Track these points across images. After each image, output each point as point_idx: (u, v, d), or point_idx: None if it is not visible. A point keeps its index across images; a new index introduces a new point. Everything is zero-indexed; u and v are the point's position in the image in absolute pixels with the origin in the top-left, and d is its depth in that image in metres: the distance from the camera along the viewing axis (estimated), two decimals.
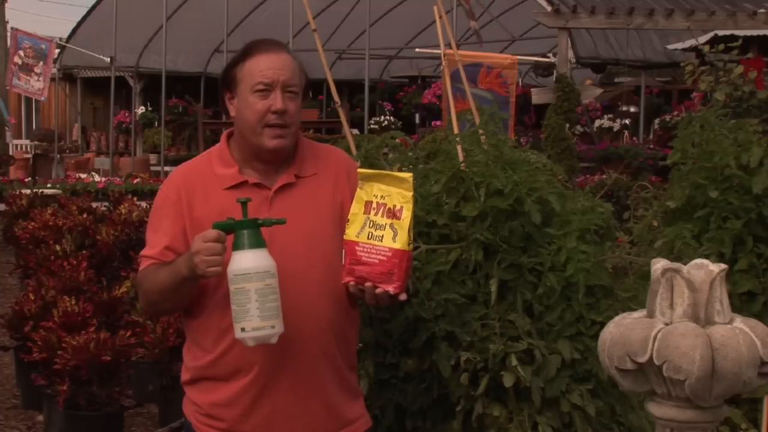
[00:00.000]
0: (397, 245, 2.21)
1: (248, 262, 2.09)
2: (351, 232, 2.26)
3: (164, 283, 2.23)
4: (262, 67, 2.26)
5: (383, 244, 2.22)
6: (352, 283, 2.25)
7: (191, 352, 2.37)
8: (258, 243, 2.11)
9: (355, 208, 2.28)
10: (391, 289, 2.21)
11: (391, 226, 2.22)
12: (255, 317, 2.08)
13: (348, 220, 2.28)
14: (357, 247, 2.24)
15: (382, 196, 2.26)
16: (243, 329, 2.10)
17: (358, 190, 2.30)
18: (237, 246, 2.11)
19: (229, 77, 2.32)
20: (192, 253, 2.11)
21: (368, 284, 2.22)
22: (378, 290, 2.22)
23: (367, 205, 2.27)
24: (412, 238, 2.24)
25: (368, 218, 2.25)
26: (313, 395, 2.29)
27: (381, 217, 2.24)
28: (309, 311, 2.26)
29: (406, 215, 2.22)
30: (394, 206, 2.24)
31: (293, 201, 2.31)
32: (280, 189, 2.32)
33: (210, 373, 2.29)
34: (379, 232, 2.23)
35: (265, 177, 2.33)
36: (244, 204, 2.14)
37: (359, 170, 2.34)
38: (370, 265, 2.22)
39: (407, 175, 2.26)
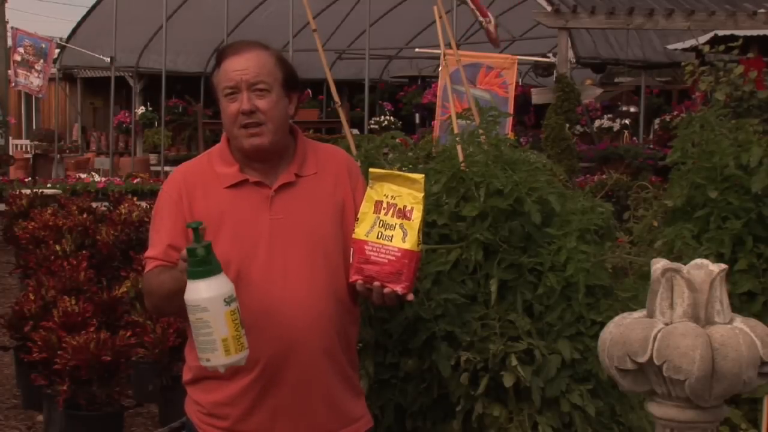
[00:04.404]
0: (407, 246, 2.21)
1: (186, 294, 2.06)
2: (360, 231, 2.27)
3: (168, 289, 2.24)
4: (228, 70, 2.28)
5: (393, 244, 2.22)
6: (360, 281, 2.25)
7: (193, 351, 2.36)
8: (193, 274, 2.04)
9: (365, 207, 2.29)
10: (399, 289, 2.21)
11: (401, 226, 2.23)
12: (197, 348, 2.09)
13: (357, 219, 2.29)
14: (366, 246, 2.24)
15: (392, 196, 2.26)
16: None
17: (368, 189, 2.30)
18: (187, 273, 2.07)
19: (210, 85, 2.37)
20: (179, 272, 2.13)
21: (376, 284, 2.22)
22: (386, 290, 2.22)
23: (378, 204, 2.27)
24: (421, 239, 2.24)
25: (378, 218, 2.26)
26: (315, 393, 2.30)
27: (391, 217, 2.24)
28: (311, 309, 2.26)
29: (417, 216, 2.23)
30: (405, 207, 2.24)
31: (294, 200, 2.32)
32: (281, 188, 2.32)
33: (212, 372, 2.29)
34: (388, 232, 2.23)
35: (265, 176, 2.33)
36: (195, 230, 2.06)
37: (371, 170, 2.34)
38: (379, 264, 2.22)
39: (419, 177, 2.26)
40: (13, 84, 15.07)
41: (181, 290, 2.17)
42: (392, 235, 2.23)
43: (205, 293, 2.03)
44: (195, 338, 2.08)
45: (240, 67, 2.27)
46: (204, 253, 2.03)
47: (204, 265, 2.03)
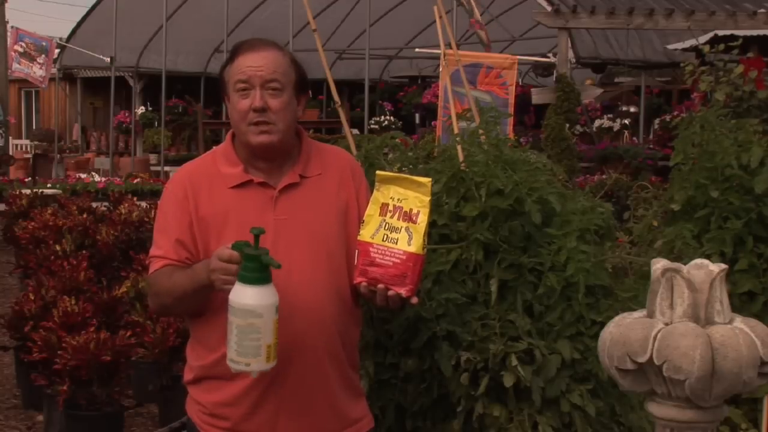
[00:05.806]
0: (412, 249, 2.21)
1: (236, 297, 2.07)
2: (366, 233, 2.26)
3: (182, 290, 2.23)
4: (242, 66, 2.27)
5: (398, 246, 2.22)
6: (364, 284, 2.25)
7: (195, 351, 2.37)
8: (250, 279, 2.06)
9: (371, 210, 2.28)
10: (403, 292, 2.21)
11: (407, 229, 2.23)
12: (232, 350, 2.09)
13: (363, 221, 2.29)
14: (371, 249, 2.24)
15: (399, 199, 2.26)
16: (225, 354, 2.12)
17: (375, 191, 2.30)
18: (238, 275, 2.09)
19: (220, 80, 2.35)
20: (210, 269, 2.12)
21: (381, 286, 2.22)
22: (390, 293, 2.22)
23: (383, 207, 2.27)
24: (426, 243, 2.24)
25: (384, 220, 2.26)
26: (317, 394, 2.30)
27: (397, 220, 2.24)
28: (314, 310, 2.26)
29: (423, 219, 2.22)
30: (411, 210, 2.24)
31: (298, 201, 2.32)
32: (285, 189, 2.32)
33: (214, 372, 2.29)
34: (394, 235, 2.23)
35: (269, 176, 2.33)
36: (256, 236, 2.08)
37: (378, 173, 2.33)
38: (383, 267, 2.22)
39: (426, 180, 2.26)
40: (12, 70, 15.01)
41: (196, 291, 2.17)
42: (398, 238, 2.23)
43: (263, 300, 2.05)
44: (238, 342, 2.07)
45: (255, 63, 2.26)
46: (268, 260, 2.05)
47: (263, 271, 2.06)
